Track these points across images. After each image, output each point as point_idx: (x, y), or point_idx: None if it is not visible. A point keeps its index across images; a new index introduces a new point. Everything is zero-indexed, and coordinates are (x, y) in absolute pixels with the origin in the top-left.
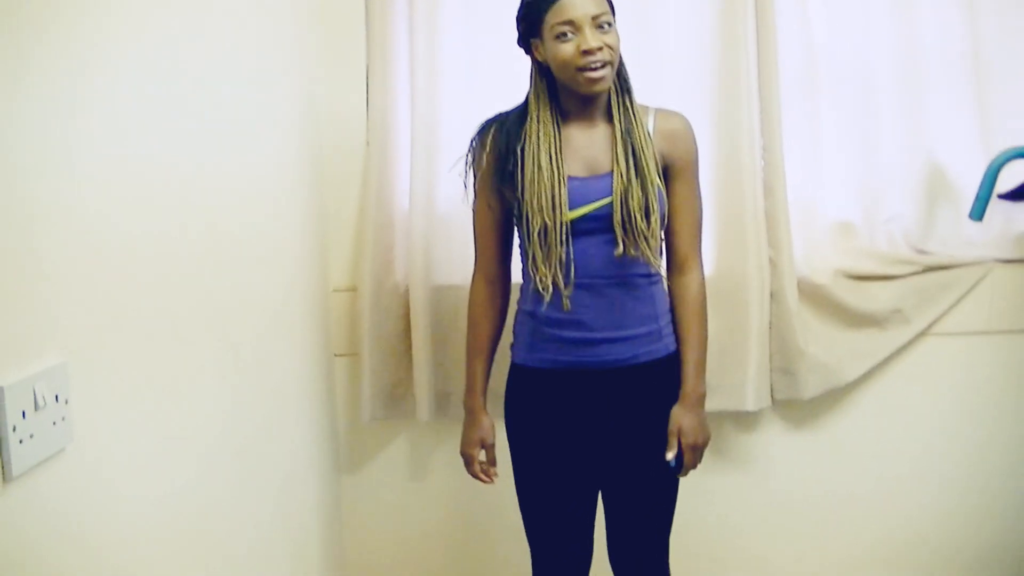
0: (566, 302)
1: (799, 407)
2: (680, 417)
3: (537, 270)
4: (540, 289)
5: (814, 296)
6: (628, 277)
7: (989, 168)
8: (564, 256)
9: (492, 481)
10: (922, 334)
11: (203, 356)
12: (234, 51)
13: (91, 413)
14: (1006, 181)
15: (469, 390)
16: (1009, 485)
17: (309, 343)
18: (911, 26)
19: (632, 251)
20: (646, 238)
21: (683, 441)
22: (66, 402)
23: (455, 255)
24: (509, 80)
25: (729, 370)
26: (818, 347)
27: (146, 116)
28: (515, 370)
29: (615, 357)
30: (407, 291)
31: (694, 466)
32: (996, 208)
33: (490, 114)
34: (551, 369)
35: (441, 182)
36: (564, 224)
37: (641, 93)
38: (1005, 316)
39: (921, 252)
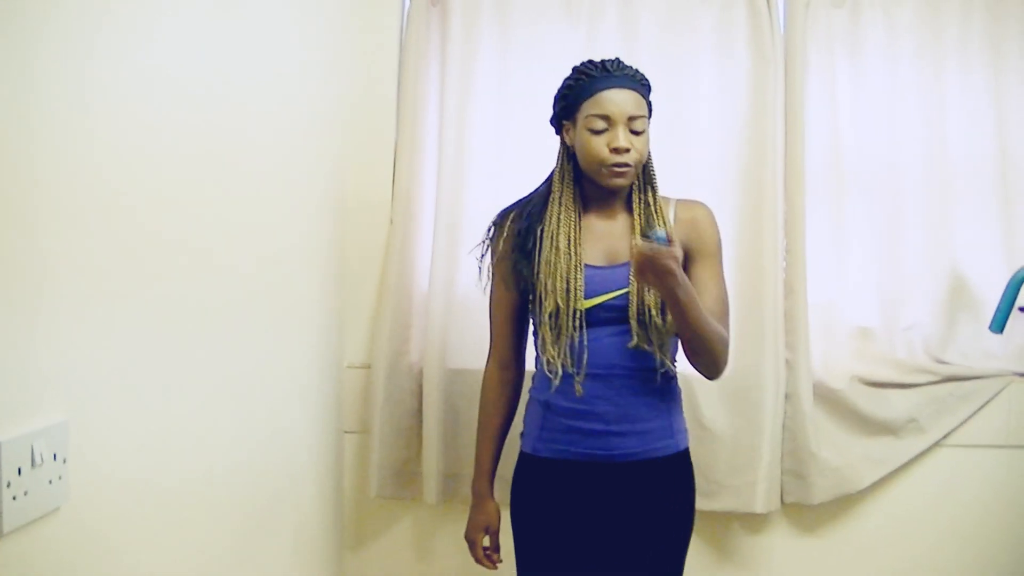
0: (578, 387)
1: (809, 511)
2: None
3: (546, 352)
4: (548, 373)
5: (829, 400)
6: (642, 371)
7: (1011, 281)
8: (576, 342)
9: (495, 567)
10: (937, 444)
11: (211, 424)
12: (263, 121)
13: (89, 473)
14: None
15: (477, 474)
16: None
17: (320, 418)
18: (939, 133)
19: (645, 345)
20: (660, 333)
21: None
22: (64, 461)
23: (471, 339)
24: (535, 165)
25: (739, 470)
26: (831, 452)
27: (168, 182)
28: (523, 459)
29: (625, 451)
30: (421, 372)
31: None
32: (1017, 321)
33: (513, 198)
34: (559, 459)
35: (462, 264)
36: (578, 310)
37: (667, 187)
38: (1022, 430)
39: (940, 362)
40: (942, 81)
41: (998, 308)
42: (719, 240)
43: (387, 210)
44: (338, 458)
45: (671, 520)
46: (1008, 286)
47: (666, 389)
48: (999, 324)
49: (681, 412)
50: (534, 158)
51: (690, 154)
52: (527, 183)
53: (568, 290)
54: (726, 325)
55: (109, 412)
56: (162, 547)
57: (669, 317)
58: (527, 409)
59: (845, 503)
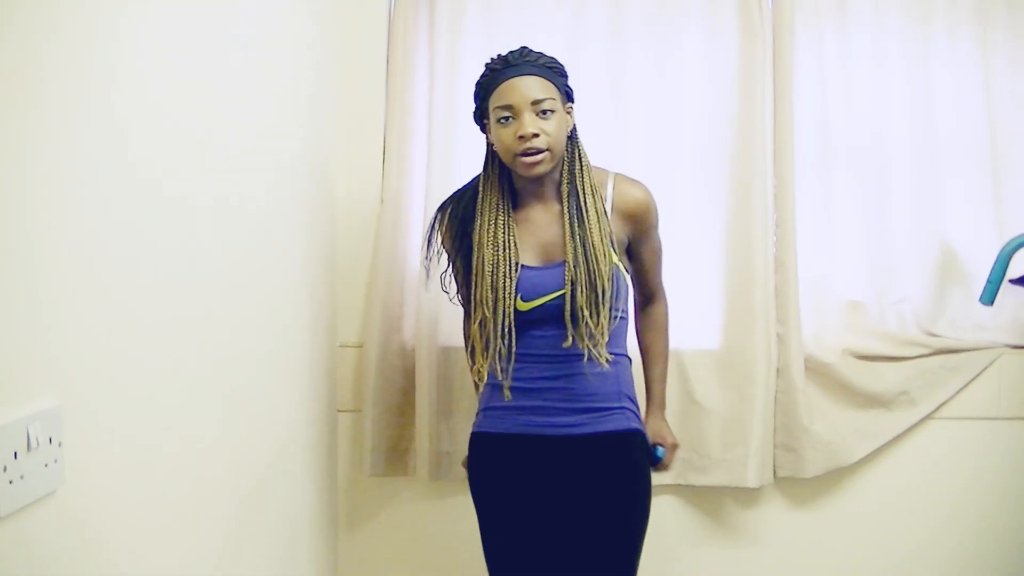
0: (507, 393)
1: (801, 485)
2: (658, 426)
3: (476, 361)
4: (475, 379)
5: (821, 374)
6: (581, 360)
7: (1001, 253)
8: (505, 349)
9: None
10: (929, 417)
11: (204, 404)
12: (250, 103)
13: (84, 456)
14: (1018, 266)
15: None
16: (1011, 571)
17: (313, 397)
18: (928, 106)
19: (580, 344)
20: (593, 334)
21: (667, 441)
22: (59, 444)
23: (463, 316)
24: None
25: (732, 445)
26: (823, 425)
27: (156, 163)
28: (474, 438)
29: (569, 425)
30: (413, 350)
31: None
32: (1007, 293)
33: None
34: (506, 434)
35: None
36: (507, 317)
37: (657, 167)
38: (1013, 402)
39: (930, 334)
40: (931, 54)
41: (988, 280)
42: (658, 217)
43: (377, 190)
44: (331, 437)
45: (620, 499)
46: (998, 258)
47: (611, 373)
48: (989, 296)
49: (630, 395)
50: None
51: (679, 130)
52: None
53: (496, 300)
54: (662, 284)
55: (103, 395)
56: (157, 528)
57: (603, 315)
58: (480, 392)
59: (838, 476)
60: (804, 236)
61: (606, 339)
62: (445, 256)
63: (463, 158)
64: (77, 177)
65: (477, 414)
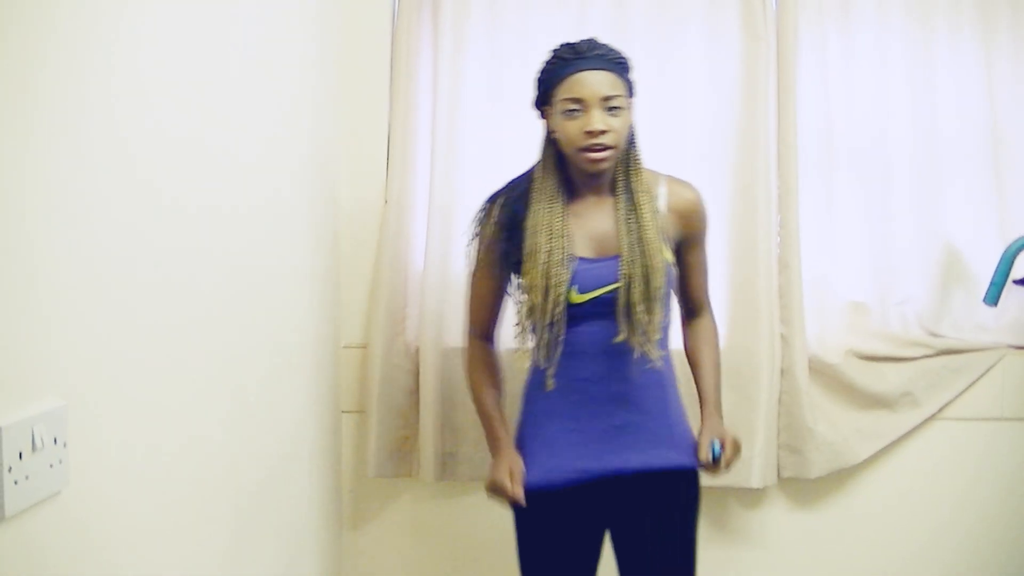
0: (550, 382)
1: (805, 485)
2: (713, 423)
3: (524, 344)
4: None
5: (824, 375)
6: (628, 358)
7: (1005, 253)
8: (554, 338)
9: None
10: (932, 418)
11: (208, 405)
12: (253, 105)
13: (89, 457)
14: (1022, 267)
15: (488, 429)
16: (1015, 572)
17: (317, 398)
18: (931, 107)
19: (632, 340)
20: (645, 330)
21: (727, 439)
22: (64, 445)
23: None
24: (529, 146)
25: None
26: (826, 426)
27: (158, 165)
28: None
29: (620, 461)
30: (417, 351)
31: (732, 461)
32: (1011, 294)
33: (506, 178)
34: (557, 488)
35: (456, 243)
36: (559, 305)
37: (660, 165)
38: (1016, 403)
39: (934, 335)
40: (933, 55)
41: (992, 281)
42: (708, 222)
43: (381, 190)
44: (336, 438)
45: (672, 539)
46: (1002, 259)
47: (656, 371)
48: (993, 297)
49: (676, 395)
50: (527, 135)
51: (683, 132)
52: (520, 161)
53: (548, 287)
54: (709, 300)
55: (107, 396)
56: (161, 528)
57: (656, 310)
58: (518, 426)
59: (841, 477)
60: (807, 237)
61: (658, 336)
62: (476, 248)
63: (467, 159)
64: (79, 178)
65: (522, 424)
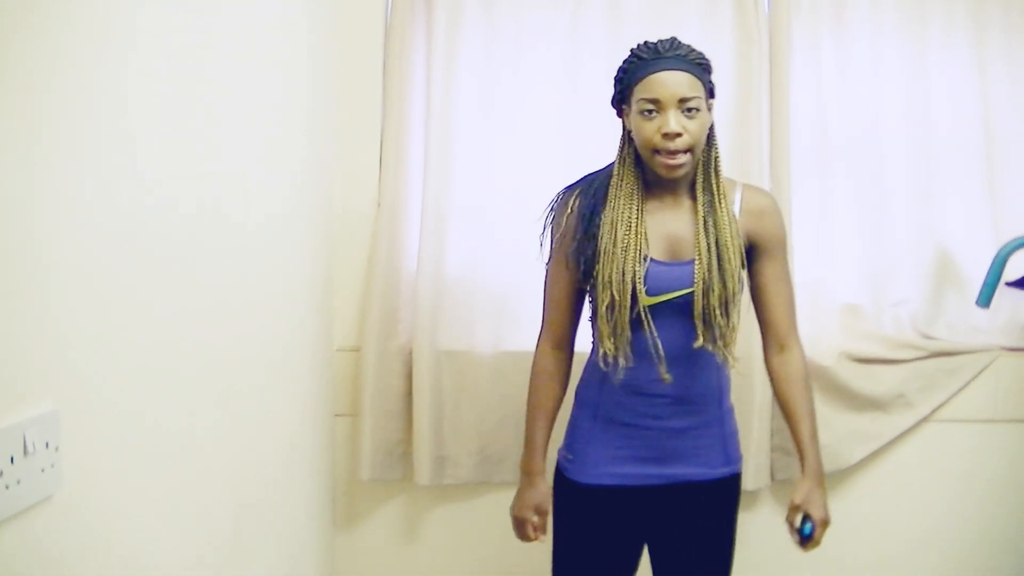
0: (620, 373)
1: None
2: (810, 493)
3: (603, 344)
4: (604, 365)
5: (818, 377)
6: (694, 363)
7: (998, 255)
8: (633, 336)
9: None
10: (926, 419)
11: (201, 408)
12: (246, 108)
13: (82, 461)
14: (1014, 269)
15: (529, 454)
16: (1009, 573)
17: (310, 401)
18: (924, 109)
19: (710, 345)
20: (724, 334)
21: (815, 515)
22: (56, 449)
23: (461, 320)
24: (522, 148)
25: None
26: (820, 428)
27: (149, 168)
28: (567, 484)
29: (671, 471)
30: (410, 354)
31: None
32: (1004, 296)
33: (501, 177)
34: (601, 487)
35: (450, 246)
36: (627, 308)
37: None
38: (1010, 404)
39: (927, 337)
40: (926, 57)
41: (985, 283)
42: (785, 232)
43: (374, 194)
44: (329, 441)
45: (713, 546)
46: (994, 261)
47: (716, 376)
48: (986, 299)
49: (729, 400)
50: (520, 138)
51: None
52: (513, 163)
53: (624, 283)
54: (797, 330)
55: (100, 399)
56: (154, 532)
57: (734, 314)
58: (572, 422)
59: (835, 479)
60: (800, 239)
61: (736, 341)
62: (550, 239)
63: (460, 162)
64: (74, 181)
65: (577, 419)
